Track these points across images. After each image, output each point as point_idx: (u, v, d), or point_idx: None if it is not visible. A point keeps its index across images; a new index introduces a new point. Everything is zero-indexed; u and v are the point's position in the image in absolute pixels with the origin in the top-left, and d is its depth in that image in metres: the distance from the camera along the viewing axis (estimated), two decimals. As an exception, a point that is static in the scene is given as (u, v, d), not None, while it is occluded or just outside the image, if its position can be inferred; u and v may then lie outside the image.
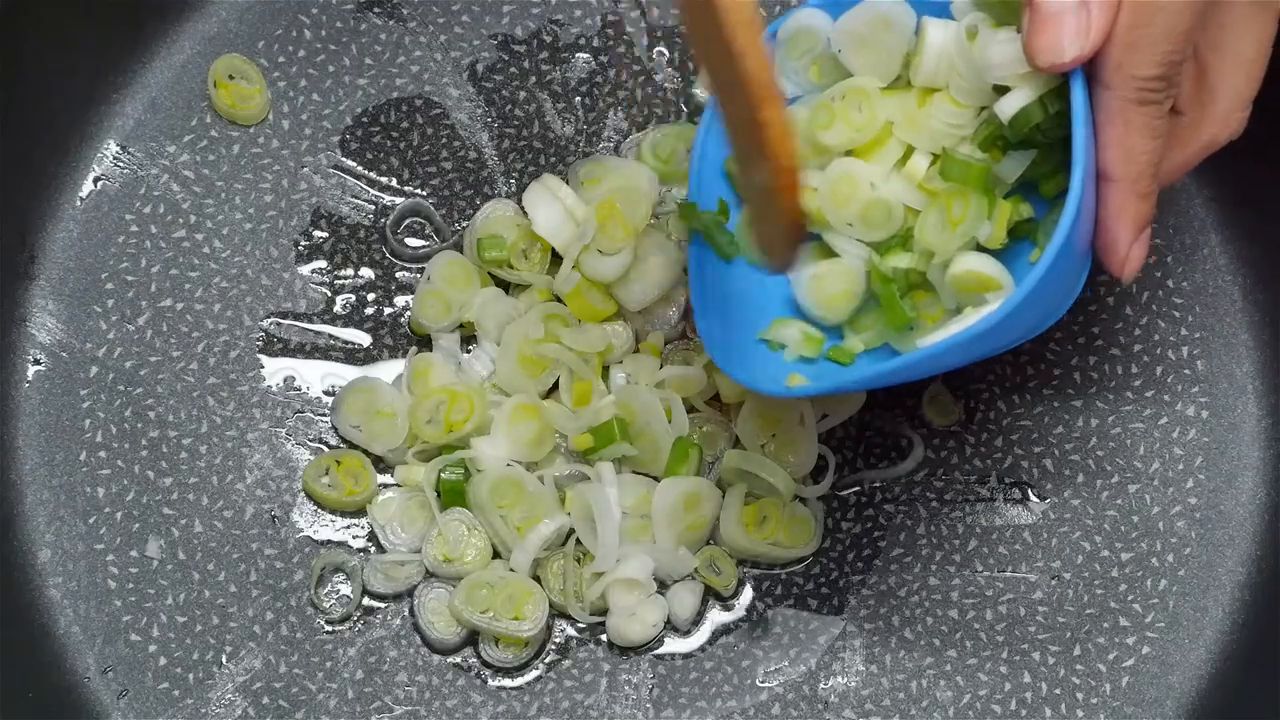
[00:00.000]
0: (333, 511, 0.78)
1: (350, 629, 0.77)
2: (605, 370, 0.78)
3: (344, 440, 0.79)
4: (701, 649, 0.77)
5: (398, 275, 0.82)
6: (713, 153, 0.74)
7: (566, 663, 0.77)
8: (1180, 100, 0.66)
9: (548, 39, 0.85)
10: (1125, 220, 0.63)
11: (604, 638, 0.77)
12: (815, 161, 0.72)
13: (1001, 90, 0.65)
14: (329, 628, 0.77)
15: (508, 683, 0.76)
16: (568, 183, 0.80)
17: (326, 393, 0.80)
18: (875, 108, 0.70)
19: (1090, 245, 0.64)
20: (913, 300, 0.70)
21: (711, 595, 0.77)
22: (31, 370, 0.80)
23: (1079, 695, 0.77)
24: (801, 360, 0.72)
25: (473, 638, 0.76)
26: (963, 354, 0.64)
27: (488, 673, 0.76)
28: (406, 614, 0.77)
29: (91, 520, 0.78)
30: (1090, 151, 0.61)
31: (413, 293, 0.81)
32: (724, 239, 0.73)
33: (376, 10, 0.85)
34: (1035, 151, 0.66)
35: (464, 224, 0.82)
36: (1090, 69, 0.61)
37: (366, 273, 0.82)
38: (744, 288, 0.74)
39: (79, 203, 0.82)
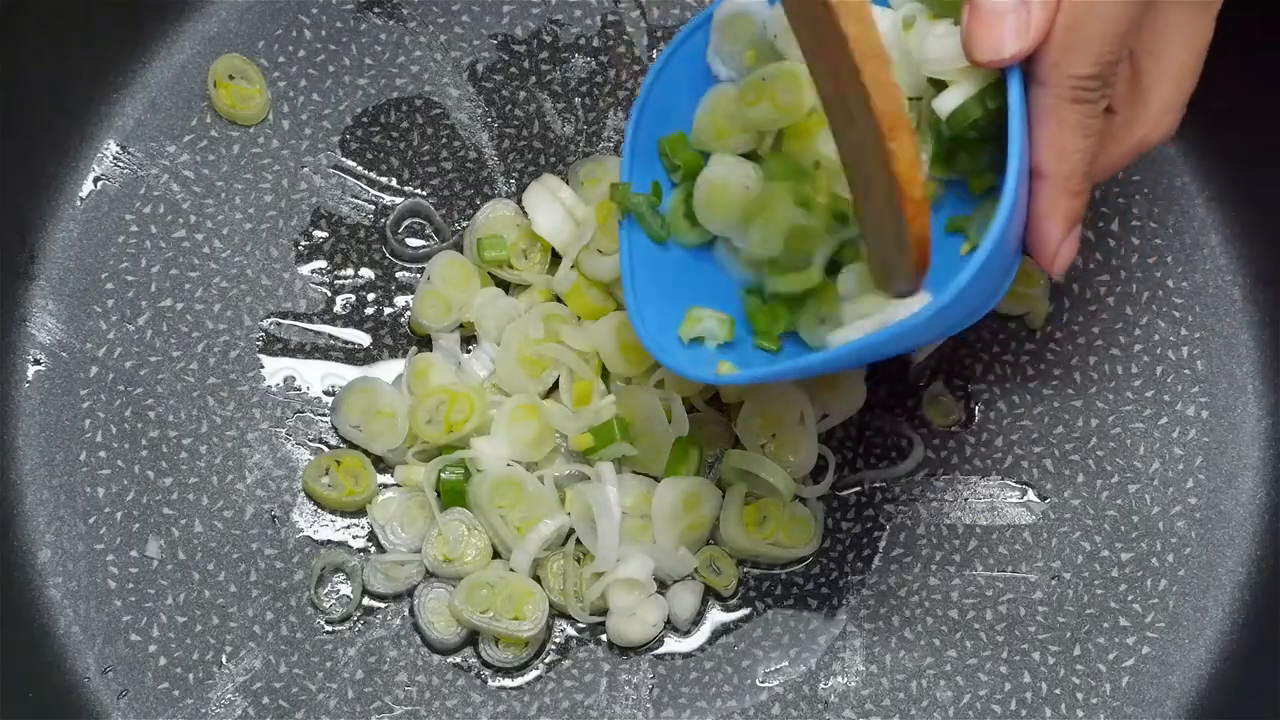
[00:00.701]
0: (333, 511, 0.78)
1: (350, 629, 0.77)
2: (605, 370, 0.78)
3: (344, 440, 0.79)
4: (701, 649, 0.77)
5: (398, 275, 0.82)
6: (647, 132, 0.74)
7: (566, 663, 0.77)
8: (1114, 99, 0.66)
9: (548, 39, 0.85)
10: (1056, 217, 0.63)
11: (604, 638, 0.77)
12: (742, 140, 0.72)
13: (935, 83, 0.66)
14: (329, 628, 0.77)
15: (508, 683, 0.76)
16: (568, 183, 0.80)
17: (326, 393, 0.80)
18: (803, 92, 0.70)
19: (1020, 241, 0.65)
20: (824, 301, 0.70)
21: (711, 595, 0.77)
22: (31, 370, 0.80)
23: (1079, 695, 0.77)
24: (731, 349, 0.72)
25: (473, 638, 0.76)
26: (895, 345, 0.64)
27: (488, 673, 0.76)
28: (406, 614, 0.77)
29: (91, 520, 0.78)
30: (1025, 149, 0.61)
31: (413, 293, 0.81)
32: (656, 222, 0.73)
33: (376, 10, 0.85)
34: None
35: (464, 224, 0.82)
36: (1026, 67, 0.61)
37: (366, 273, 0.82)
38: (676, 272, 0.74)
39: (79, 203, 0.82)
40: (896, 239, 0.61)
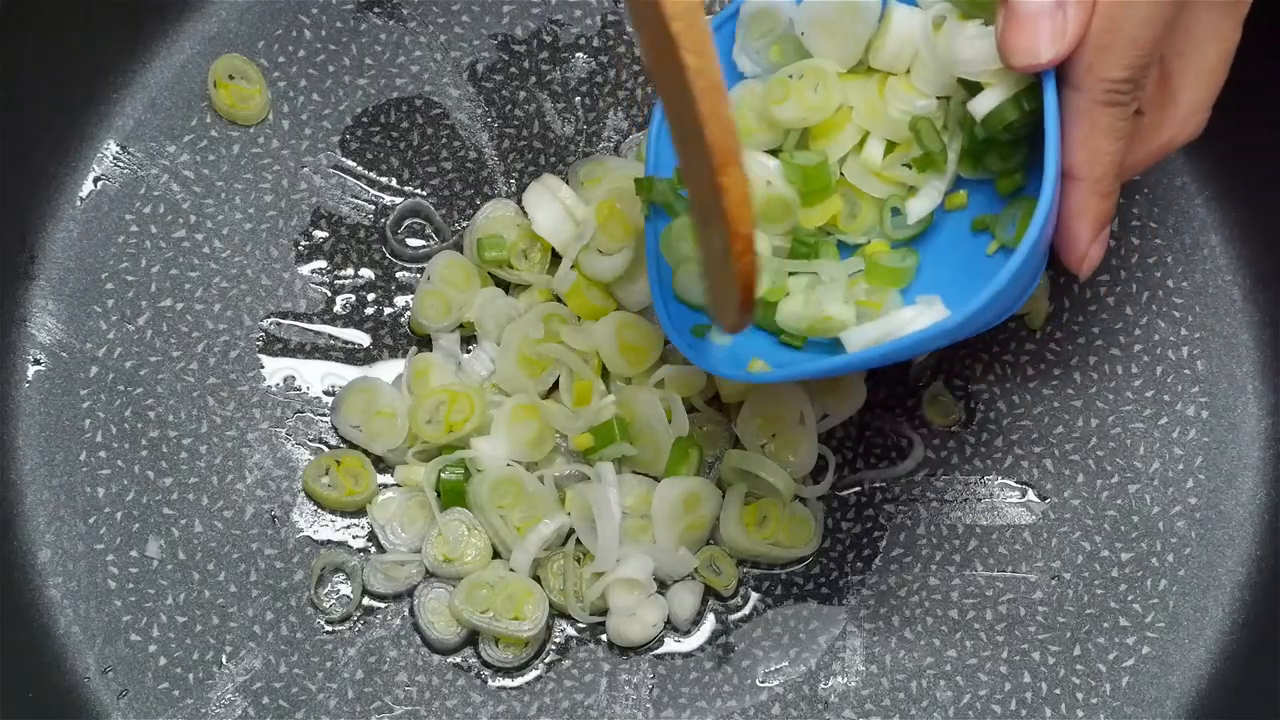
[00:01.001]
0: (333, 511, 0.78)
1: (350, 629, 0.77)
2: (605, 370, 0.78)
3: (344, 440, 0.79)
4: (701, 649, 0.77)
5: (398, 275, 0.82)
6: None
7: (566, 663, 0.77)
8: (1142, 101, 0.67)
9: (548, 39, 0.85)
10: (1087, 219, 0.63)
11: (604, 638, 0.77)
12: (767, 137, 0.72)
13: (965, 83, 0.66)
14: (329, 628, 0.77)
15: (508, 683, 0.76)
16: (568, 183, 0.80)
17: (326, 393, 0.80)
18: (831, 89, 0.70)
19: (1050, 242, 0.65)
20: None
21: (711, 595, 0.77)
22: (31, 370, 0.80)
23: (1079, 695, 0.77)
24: (761, 347, 0.72)
25: (473, 638, 0.76)
26: (933, 343, 0.64)
27: (488, 673, 0.76)
28: (406, 614, 0.77)
29: (91, 520, 0.78)
30: (1059, 151, 0.62)
31: (413, 293, 0.81)
32: (681, 206, 0.73)
33: (376, 10, 0.85)
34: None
35: (464, 224, 0.82)
36: (1058, 69, 0.61)
37: (366, 273, 0.82)
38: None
39: (79, 203, 0.82)
40: (728, 273, 0.61)
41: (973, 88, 0.66)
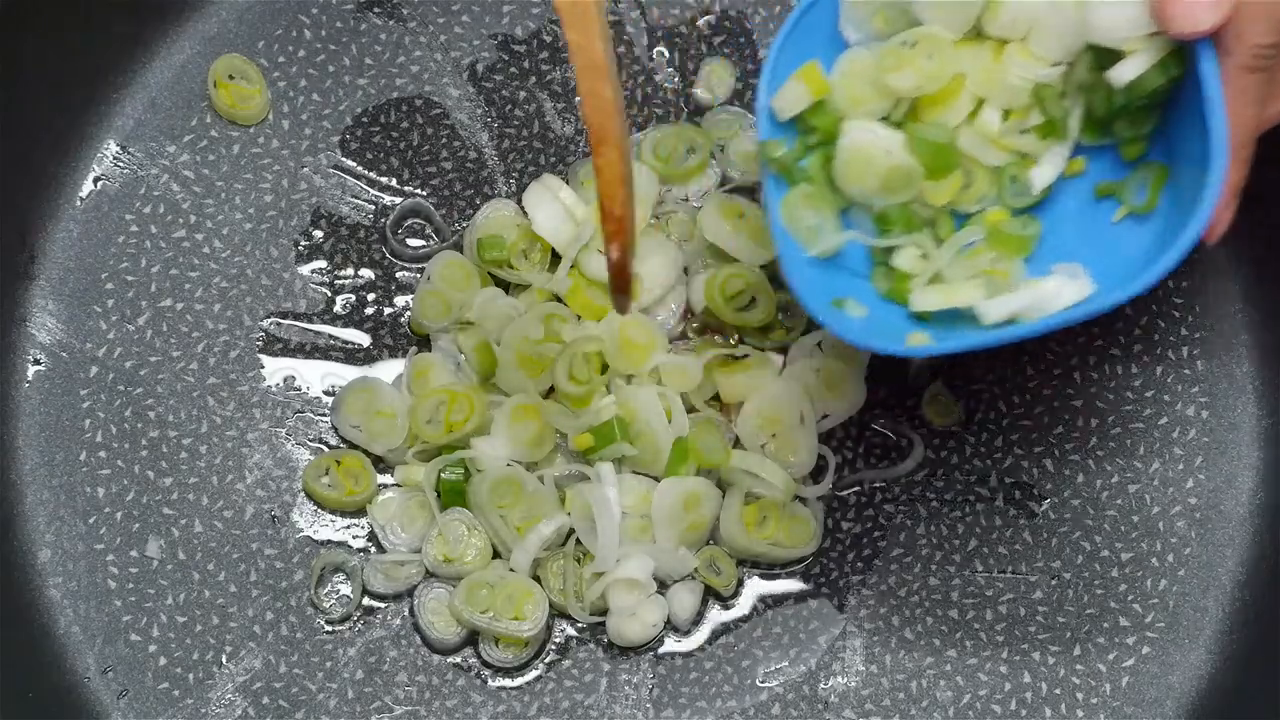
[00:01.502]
0: (333, 511, 0.78)
1: (350, 629, 0.77)
2: (605, 368, 0.78)
3: (344, 440, 0.79)
4: (701, 649, 0.77)
5: (398, 275, 0.82)
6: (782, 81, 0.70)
7: (566, 663, 0.77)
8: None
9: (548, 39, 0.85)
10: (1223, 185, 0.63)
11: (604, 638, 0.77)
12: (877, 105, 0.70)
13: (1097, 50, 0.65)
14: (329, 628, 0.77)
15: (508, 683, 0.76)
16: (568, 183, 0.80)
17: (326, 393, 0.80)
18: (946, 57, 0.69)
19: None
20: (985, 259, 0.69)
21: (711, 595, 0.77)
22: (31, 370, 0.80)
23: (1079, 695, 0.77)
24: (896, 316, 0.70)
25: (473, 638, 0.76)
26: (1073, 318, 0.64)
27: (488, 673, 0.76)
28: (406, 614, 0.77)
29: (91, 520, 0.78)
30: (1226, 119, 0.61)
31: (413, 293, 0.81)
32: (800, 176, 0.70)
33: (376, 10, 0.85)
34: None
35: (464, 224, 0.82)
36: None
37: (366, 273, 0.82)
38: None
39: (79, 203, 0.82)
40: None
41: (1103, 54, 0.65)
